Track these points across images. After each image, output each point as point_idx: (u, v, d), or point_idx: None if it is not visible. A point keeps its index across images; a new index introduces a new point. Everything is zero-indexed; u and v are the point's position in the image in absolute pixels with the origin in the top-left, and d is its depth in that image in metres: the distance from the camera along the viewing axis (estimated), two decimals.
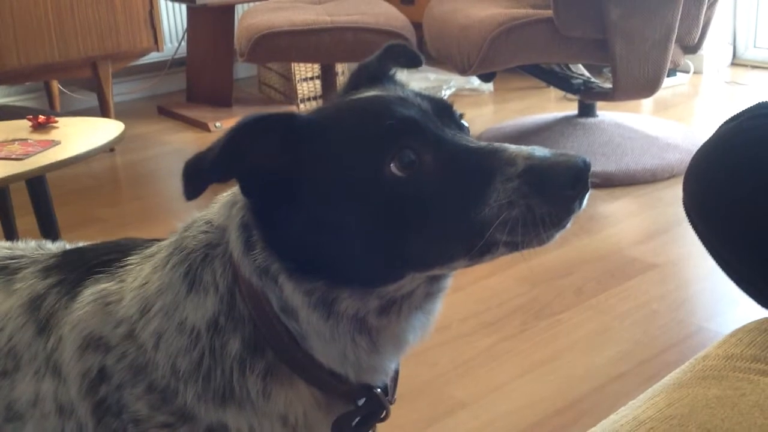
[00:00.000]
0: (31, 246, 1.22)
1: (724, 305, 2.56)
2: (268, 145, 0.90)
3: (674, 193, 1.21)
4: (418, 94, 0.97)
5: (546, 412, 2.09)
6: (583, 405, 2.11)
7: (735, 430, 0.85)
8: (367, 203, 0.88)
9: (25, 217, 2.87)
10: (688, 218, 1.25)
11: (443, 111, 0.95)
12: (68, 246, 1.21)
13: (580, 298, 2.64)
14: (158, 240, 1.10)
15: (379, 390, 1.03)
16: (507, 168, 0.86)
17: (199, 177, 0.89)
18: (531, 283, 2.72)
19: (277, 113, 0.91)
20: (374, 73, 1.07)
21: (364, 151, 0.88)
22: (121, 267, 1.07)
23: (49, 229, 2.68)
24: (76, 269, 1.10)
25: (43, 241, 1.23)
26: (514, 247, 0.88)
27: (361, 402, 1.03)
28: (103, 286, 1.05)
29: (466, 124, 0.98)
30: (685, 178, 1.24)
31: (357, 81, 1.07)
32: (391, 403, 1.05)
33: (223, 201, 1.02)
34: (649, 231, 3.11)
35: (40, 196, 2.76)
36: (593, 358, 2.32)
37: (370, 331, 0.95)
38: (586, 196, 0.88)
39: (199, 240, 1.01)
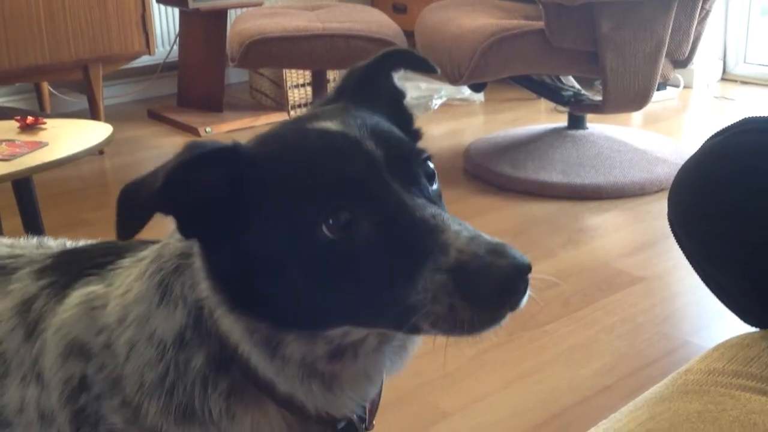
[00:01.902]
0: (32, 244, 1.19)
1: (710, 319, 2.57)
2: (212, 178, 0.86)
3: (662, 207, 1.22)
4: (377, 134, 0.89)
5: (529, 424, 2.09)
6: (566, 417, 2.11)
7: None
8: (298, 256, 0.84)
9: (11, 218, 2.86)
10: (673, 232, 1.25)
11: (399, 161, 0.88)
12: (69, 244, 1.18)
13: (566, 310, 2.64)
14: (154, 242, 1.07)
15: (354, 416, 0.99)
16: (438, 257, 0.80)
17: (137, 209, 0.84)
18: None
19: (221, 145, 0.87)
20: (364, 80, 1.02)
21: (298, 206, 0.84)
22: (113, 270, 1.04)
23: (34, 232, 2.66)
24: (69, 271, 1.07)
25: (45, 239, 1.21)
26: (439, 334, 0.83)
27: (340, 425, 0.98)
28: (91, 288, 1.03)
29: (431, 167, 0.92)
30: (670, 192, 1.24)
31: (345, 86, 1.03)
32: (367, 429, 1.02)
33: None
34: (637, 244, 3.12)
35: (26, 197, 2.75)
36: (578, 371, 2.31)
37: (322, 375, 0.91)
38: (523, 299, 0.82)
39: (174, 249, 0.97)
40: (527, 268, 0.80)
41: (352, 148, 0.87)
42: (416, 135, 1.02)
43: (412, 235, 0.82)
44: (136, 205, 0.84)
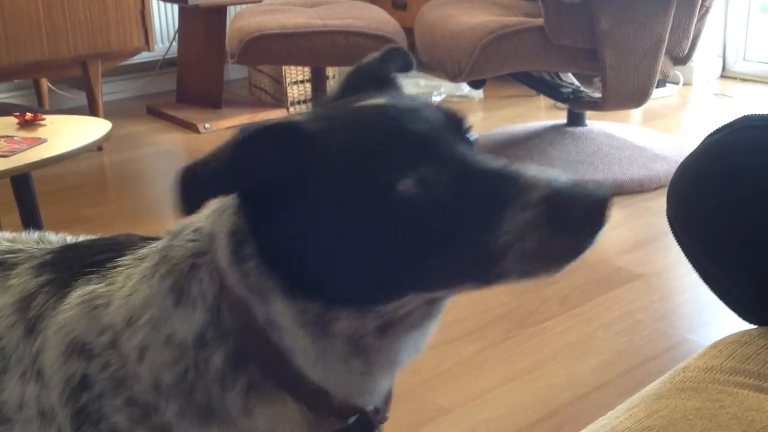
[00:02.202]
0: (32, 238, 1.18)
1: (708, 316, 2.57)
2: (273, 156, 0.85)
3: (661, 204, 1.22)
4: (429, 105, 0.91)
5: (528, 420, 2.09)
6: (564, 414, 2.11)
7: None
8: (374, 222, 0.84)
9: (9, 214, 2.86)
10: (672, 229, 1.25)
11: (455, 126, 0.90)
12: (69, 239, 1.17)
13: (565, 306, 2.65)
14: (155, 238, 1.06)
15: (371, 408, 0.99)
16: (524, 195, 0.82)
17: (199, 190, 0.84)
18: (516, 291, 2.72)
19: (281, 122, 0.87)
20: (374, 76, 1.02)
21: (373, 169, 0.83)
22: (113, 268, 1.03)
23: (33, 228, 2.65)
24: (69, 268, 1.06)
25: (47, 234, 1.20)
26: (523, 275, 0.85)
27: (351, 420, 0.98)
28: (92, 287, 1.02)
29: (475, 136, 0.93)
30: (669, 189, 1.24)
31: (355, 82, 1.01)
32: (381, 422, 1.01)
33: (213, 208, 0.97)
34: (635, 241, 3.12)
35: (25, 193, 2.75)
36: (576, 367, 2.32)
37: (366, 353, 0.91)
38: (602, 230, 0.84)
39: (186, 249, 0.96)
40: (609, 200, 0.83)
41: (414, 114, 0.88)
42: None
43: (493, 181, 0.84)
44: (199, 182, 0.83)
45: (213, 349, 0.93)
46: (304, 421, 0.96)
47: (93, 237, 1.16)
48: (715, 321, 2.52)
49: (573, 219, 0.81)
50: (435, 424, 2.08)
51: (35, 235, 1.20)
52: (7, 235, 1.21)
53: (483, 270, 0.84)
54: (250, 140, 0.84)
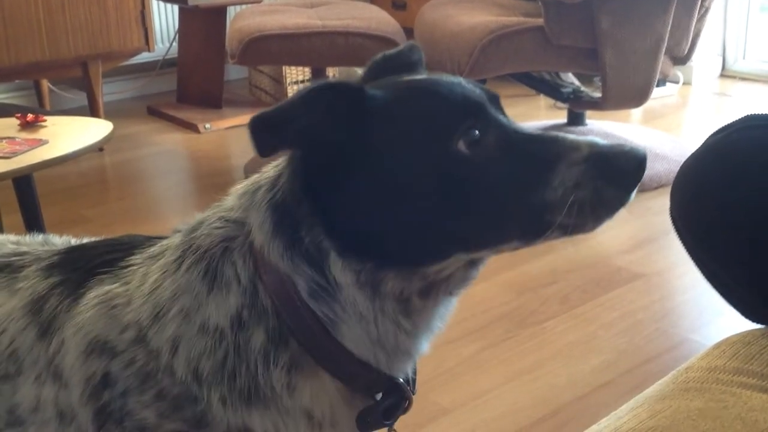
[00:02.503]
0: (37, 241, 1.19)
1: (709, 316, 2.57)
2: (341, 111, 0.89)
3: (662, 203, 1.22)
4: (470, 82, 0.97)
5: (528, 420, 2.09)
6: (565, 414, 2.11)
7: None
8: (432, 178, 0.89)
9: (11, 215, 2.86)
10: (675, 228, 1.25)
11: (494, 100, 0.97)
12: (73, 241, 1.18)
13: (566, 306, 2.65)
14: (160, 237, 1.08)
15: (401, 380, 1.02)
16: (572, 153, 0.90)
17: (271, 133, 0.87)
18: (516, 291, 2.72)
19: (349, 82, 0.93)
20: (400, 64, 1.06)
21: (432, 127, 0.89)
22: (125, 267, 1.05)
23: (35, 229, 2.67)
24: (79, 269, 1.07)
25: (50, 236, 1.20)
26: (569, 230, 0.90)
27: (379, 396, 1.01)
28: (107, 288, 1.02)
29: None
30: (672, 188, 1.24)
31: (380, 69, 1.05)
32: (413, 394, 1.05)
33: (239, 192, 1.00)
34: (636, 240, 3.12)
35: (26, 194, 2.76)
36: (577, 367, 2.32)
37: (412, 313, 0.96)
38: (639, 183, 0.91)
39: (215, 236, 0.98)
40: (645, 155, 0.91)
41: (460, 85, 0.94)
42: None
43: (539, 144, 0.92)
44: (272, 126, 0.87)
45: (252, 329, 0.95)
46: (341, 396, 0.98)
47: (97, 238, 1.16)
48: (716, 321, 2.52)
49: (619, 170, 0.90)
50: (435, 423, 2.08)
51: (39, 237, 1.20)
52: (12, 237, 1.21)
53: (534, 224, 0.90)
54: (322, 91, 0.88)
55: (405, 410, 1.04)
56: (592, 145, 0.90)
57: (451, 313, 1.02)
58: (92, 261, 1.07)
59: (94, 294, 1.03)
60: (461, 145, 0.88)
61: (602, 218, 0.91)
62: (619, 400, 1.19)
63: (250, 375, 0.95)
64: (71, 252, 1.12)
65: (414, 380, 1.07)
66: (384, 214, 0.90)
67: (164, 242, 1.05)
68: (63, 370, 1.02)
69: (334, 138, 0.89)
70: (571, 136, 0.92)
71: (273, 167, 0.98)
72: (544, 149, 0.91)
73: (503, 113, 0.96)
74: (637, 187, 0.92)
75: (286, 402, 0.95)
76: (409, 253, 0.92)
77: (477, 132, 0.89)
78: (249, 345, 0.94)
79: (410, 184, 0.89)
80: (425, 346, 1.02)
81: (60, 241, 1.19)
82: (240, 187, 1.01)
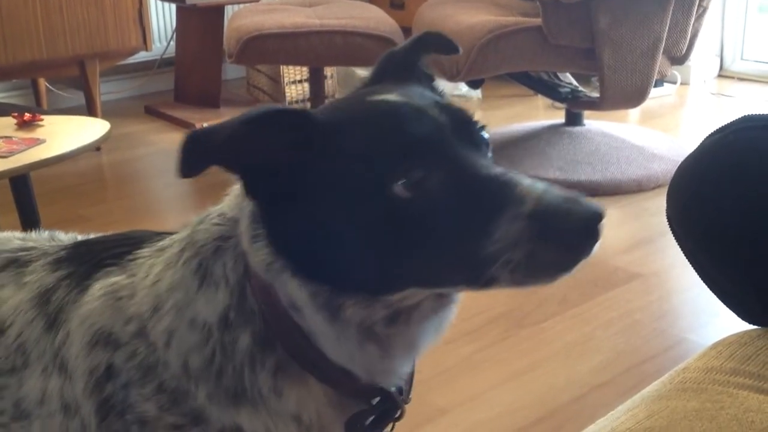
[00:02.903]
0: (43, 237, 1.19)
1: (706, 317, 2.57)
2: (281, 139, 0.87)
3: (659, 204, 1.22)
4: (438, 104, 0.92)
5: (526, 421, 2.09)
6: (563, 414, 2.11)
7: None
8: (369, 218, 0.85)
9: (8, 215, 2.86)
10: (672, 230, 1.25)
11: (462, 126, 0.91)
12: (80, 237, 1.18)
13: (563, 306, 2.65)
14: (169, 233, 1.08)
15: (393, 389, 1.00)
16: (516, 206, 0.83)
17: (202, 154, 0.85)
18: (514, 292, 2.72)
19: (294, 109, 0.89)
20: (402, 63, 1.04)
21: (371, 165, 0.85)
22: (132, 260, 1.05)
23: (32, 228, 2.66)
24: (86, 261, 1.07)
25: (56, 232, 1.21)
26: (513, 284, 0.85)
27: (375, 401, 1.00)
28: (114, 279, 1.03)
29: (486, 136, 0.94)
30: (669, 189, 1.24)
31: (383, 70, 1.04)
32: (405, 403, 1.03)
33: (237, 191, 0.99)
34: (634, 241, 3.12)
35: (23, 194, 2.75)
36: (574, 368, 2.32)
37: (379, 339, 0.93)
38: (596, 246, 0.84)
39: (211, 233, 0.98)
40: (601, 215, 0.82)
41: (419, 114, 0.89)
42: None
43: (487, 188, 0.85)
44: (201, 149, 0.85)
45: (239, 330, 0.94)
46: (328, 402, 0.97)
47: (104, 233, 1.17)
48: (713, 321, 2.52)
49: (561, 234, 0.82)
50: (433, 424, 2.08)
51: (46, 233, 1.21)
52: (18, 234, 1.21)
53: (474, 275, 0.85)
54: (258, 119, 0.85)
55: (396, 419, 1.03)
56: (539, 199, 0.82)
57: (442, 330, 0.99)
58: (100, 254, 1.08)
59: (100, 285, 1.03)
60: (400, 187, 0.83)
61: (544, 278, 0.85)
62: (616, 400, 1.19)
63: (237, 375, 0.94)
64: (79, 246, 1.12)
65: (408, 389, 1.05)
66: (327, 244, 0.88)
67: (174, 236, 1.05)
68: (68, 361, 1.01)
69: (272, 165, 0.87)
70: (525, 183, 0.85)
71: None
72: (491, 197, 0.84)
73: (471, 139, 0.91)
74: (588, 250, 0.83)
75: (275, 405, 0.95)
76: (361, 282, 0.89)
77: (420, 174, 0.84)
78: (235, 346, 0.94)
79: (348, 219, 0.86)
80: (407, 365, 1.00)
81: (66, 237, 1.19)
82: (238, 186, 1.00)
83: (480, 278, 0.85)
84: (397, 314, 0.92)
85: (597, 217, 0.82)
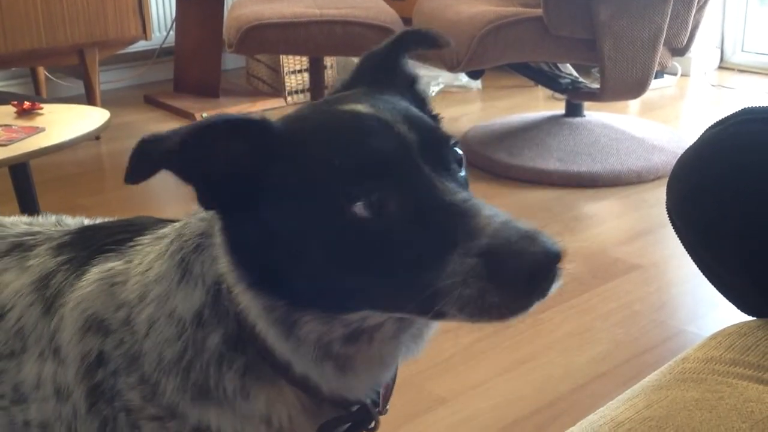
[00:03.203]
0: (50, 221, 1.19)
1: (705, 308, 2.57)
2: (235, 148, 0.84)
3: (659, 195, 1.21)
4: (408, 118, 0.89)
5: (525, 411, 2.09)
6: (562, 404, 2.11)
7: None
8: (325, 234, 0.83)
9: (7, 204, 2.85)
10: (671, 221, 1.25)
11: (431, 144, 0.87)
12: (86, 221, 1.18)
13: (562, 297, 2.65)
14: (172, 220, 1.07)
15: (368, 401, 0.99)
16: (469, 241, 0.79)
17: (151, 160, 0.83)
18: None
19: (250, 117, 0.86)
20: (382, 65, 1.01)
21: (330, 182, 0.82)
22: (132, 246, 1.05)
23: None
24: (88, 247, 1.07)
25: (63, 217, 1.21)
26: (465, 318, 0.81)
27: (353, 408, 0.99)
28: (111, 265, 1.03)
29: (459, 153, 0.91)
30: (669, 181, 1.24)
31: (362, 72, 1.01)
32: (381, 414, 1.01)
33: None
34: (633, 232, 3.12)
35: (23, 182, 2.75)
36: (573, 358, 2.32)
37: (336, 358, 0.91)
38: (553, 287, 0.81)
39: (195, 228, 0.98)
40: (558, 256, 0.79)
41: (384, 131, 0.86)
42: (434, 119, 1.00)
43: (444, 218, 0.81)
44: (149, 157, 0.83)
45: (210, 329, 0.94)
46: (301, 405, 0.96)
47: (111, 219, 1.16)
48: (712, 312, 2.52)
49: (511, 275, 0.78)
50: (432, 413, 2.09)
51: (53, 218, 1.21)
52: (24, 218, 1.21)
53: (424, 306, 0.82)
54: (209, 129, 0.83)
55: (371, 430, 1.01)
56: (493, 236, 0.78)
57: (419, 348, 0.96)
58: (103, 240, 1.08)
59: (97, 270, 1.03)
60: (357, 209, 0.81)
61: (496, 317, 0.80)
62: (615, 390, 1.19)
63: (203, 372, 0.94)
64: (83, 232, 1.12)
65: (384, 401, 1.03)
66: (283, 259, 0.86)
67: (174, 224, 1.05)
68: (61, 346, 1.02)
69: (229, 175, 0.85)
70: (483, 215, 0.81)
71: None
72: (447, 227, 0.80)
73: (439, 160, 0.87)
74: (540, 294, 0.80)
75: (242, 406, 0.94)
76: (316, 299, 0.87)
77: (377, 195, 0.81)
78: (205, 343, 0.94)
79: (304, 234, 0.84)
80: (377, 380, 0.98)
81: (73, 221, 1.20)
82: None
83: (429, 310, 0.82)
84: (358, 333, 0.89)
85: (553, 257, 0.79)
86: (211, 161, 0.85)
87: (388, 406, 1.04)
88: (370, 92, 0.95)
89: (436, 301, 0.80)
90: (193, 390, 0.95)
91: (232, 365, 0.93)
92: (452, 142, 0.91)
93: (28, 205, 2.75)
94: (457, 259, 0.79)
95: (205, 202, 0.88)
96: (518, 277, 0.78)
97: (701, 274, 1.26)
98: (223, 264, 0.91)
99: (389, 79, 1.00)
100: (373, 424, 1.01)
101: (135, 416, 0.97)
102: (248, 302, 0.89)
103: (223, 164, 0.85)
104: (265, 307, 0.88)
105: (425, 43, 1.04)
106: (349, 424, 0.99)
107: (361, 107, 0.89)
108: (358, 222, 0.81)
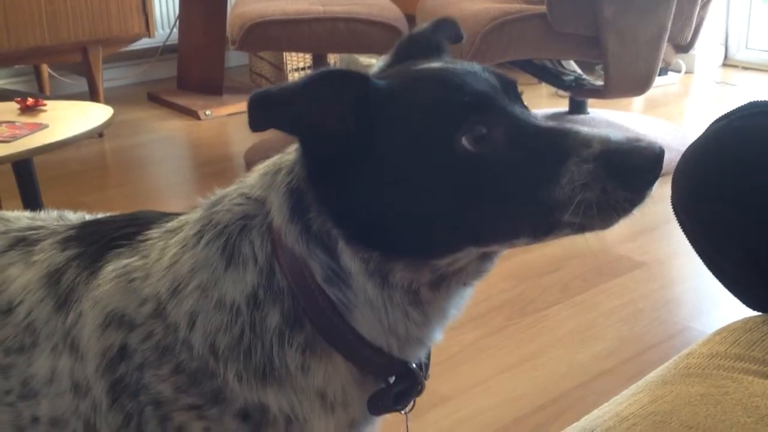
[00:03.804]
0: (52, 216, 1.20)
1: (709, 305, 2.57)
2: (344, 99, 0.88)
3: (663, 192, 1.21)
4: (486, 69, 0.95)
5: (529, 408, 2.09)
6: (565, 401, 2.11)
7: (717, 428, 0.85)
8: (436, 175, 0.87)
9: (11, 200, 2.86)
10: (676, 216, 1.25)
11: (509, 88, 0.94)
12: (88, 217, 1.19)
13: (566, 294, 2.64)
14: (176, 214, 1.08)
15: (414, 366, 1.02)
16: (582, 149, 0.86)
17: (271, 109, 0.87)
18: (517, 279, 2.72)
19: (356, 72, 0.90)
20: (425, 45, 1.05)
21: (436, 123, 0.87)
22: (143, 241, 1.05)
23: None
24: (96, 241, 1.08)
25: (65, 212, 1.21)
26: (579, 228, 0.88)
27: (392, 379, 1.02)
28: (125, 261, 1.03)
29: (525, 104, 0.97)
30: (674, 175, 1.24)
31: (405, 52, 1.05)
32: (425, 379, 1.05)
33: (261, 171, 1.00)
34: (637, 229, 3.11)
35: (26, 179, 2.75)
36: (577, 355, 2.32)
37: (422, 304, 0.95)
38: (656, 183, 0.88)
39: (234, 212, 0.99)
40: (663, 150, 0.86)
41: (471, 75, 0.91)
42: None
43: (549, 138, 0.88)
44: (271, 104, 0.87)
45: (268, 308, 0.95)
46: (353, 379, 0.99)
47: (112, 213, 1.17)
48: (716, 309, 2.52)
49: (630, 170, 0.85)
50: (435, 411, 2.08)
51: (54, 213, 1.21)
52: (27, 213, 1.22)
53: (542, 221, 0.88)
54: (325, 78, 0.87)
55: (417, 395, 1.05)
56: (604, 142, 0.86)
57: (467, 301, 1.01)
58: (109, 234, 1.08)
59: (113, 267, 1.03)
60: (466, 142, 0.86)
61: (611, 219, 0.88)
62: (619, 387, 1.19)
63: (265, 353, 0.95)
64: (87, 226, 1.12)
65: (427, 365, 1.07)
66: (388, 207, 0.89)
67: (182, 217, 1.05)
68: (80, 342, 1.02)
69: (334, 127, 0.89)
70: (585, 130, 0.88)
71: (295, 150, 0.98)
72: (554, 145, 0.87)
73: (519, 101, 0.94)
74: (653, 186, 0.88)
75: (300, 382, 0.96)
76: (416, 245, 0.91)
77: (483, 128, 0.87)
78: (264, 324, 0.95)
79: (414, 179, 0.88)
80: (439, 334, 1.02)
81: (75, 216, 1.20)
82: (262, 166, 1.01)
83: (547, 225, 0.87)
84: (441, 279, 0.94)
85: (659, 154, 0.86)
86: (322, 111, 0.88)
87: (428, 373, 1.07)
88: (430, 59, 1.00)
89: (555, 213, 0.86)
90: (255, 372, 0.96)
91: (293, 342, 0.95)
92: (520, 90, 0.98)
93: (32, 202, 2.75)
94: (573, 168, 0.86)
95: (311, 153, 0.91)
96: (639, 168, 0.85)
97: (705, 270, 1.25)
98: (295, 232, 0.93)
99: (431, 56, 1.03)
100: (420, 389, 1.04)
101: (166, 408, 0.97)
102: (347, 259, 0.92)
103: (332, 114, 0.89)
104: (363, 259, 0.92)
105: (454, 34, 1.09)
106: (398, 391, 1.02)
107: (440, 64, 0.96)
108: (469, 154, 0.86)
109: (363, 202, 0.90)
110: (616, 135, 0.87)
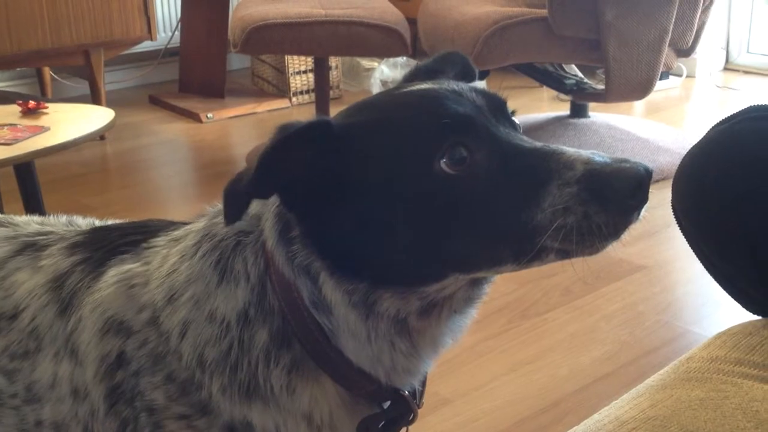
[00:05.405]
0: (61, 221, 1.20)
1: (710, 308, 2.57)
2: (307, 156, 0.87)
3: (663, 196, 1.21)
4: (473, 89, 0.93)
5: (529, 411, 2.09)
6: (566, 404, 2.11)
7: None
8: (415, 200, 0.85)
9: (12, 204, 2.86)
10: (677, 220, 1.25)
11: (497, 108, 0.92)
12: (97, 223, 1.19)
13: (567, 298, 2.65)
14: (184, 223, 1.08)
15: (407, 393, 1.00)
16: (565, 172, 0.83)
17: (238, 198, 0.86)
18: (518, 282, 2.72)
19: (311, 122, 0.88)
20: (431, 73, 1.04)
21: (410, 149, 0.85)
22: (147, 248, 1.05)
23: None
24: (102, 247, 1.08)
25: (74, 217, 1.22)
26: (564, 254, 0.85)
27: (386, 404, 1.00)
28: (128, 267, 1.03)
29: (517, 122, 0.95)
30: (674, 179, 1.24)
31: (412, 79, 1.04)
32: (419, 407, 1.03)
33: None
34: (638, 233, 3.07)
35: (28, 182, 2.75)
36: (578, 358, 2.32)
37: (410, 333, 0.93)
38: (644, 207, 0.85)
39: (231, 227, 0.98)
40: (650, 172, 0.83)
41: (456, 96, 0.90)
42: None
43: (531, 160, 0.85)
44: (239, 189, 0.86)
45: (257, 326, 0.94)
46: (341, 402, 0.97)
47: (121, 220, 1.17)
48: (717, 313, 2.52)
49: (616, 193, 0.82)
50: (436, 414, 2.08)
51: (63, 218, 1.21)
52: (36, 218, 1.22)
53: (524, 248, 0.85)
54: (280, 144, 0.86)
55: (408, 423, 1.03)
56: (588, 163, 0.83)
57: (464, 330, 1.00)
58: (116, 241, 1.08)
59: (114, 272, 1.03)
60: (444, 165, 0.84)
61: (594, 244, 0.84)
62: (620, 391, 1.19)
63: (251, 371, 0.95)
64: (95, 232, 1.13)
65: (422, 393, 1.06)
66: (371, 238, 0.88)
67: (189, 226, 1.05)
68: (79, 347, 1.02)
69: (306, 177, 0.88)
70: (569, 151, 0.85)
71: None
72: (537, 167, 0.85)
73: (508, 121, 0.92)
74: (640, 210, 0.85)
75: (286, 402, 0.95)
76: (401, 274, 0.89)
77: (464, 150, 0.84)
78: (252, 341, 0.95)
79: (393, 207, 0.86)
80: (429, 365, 1.00)
81: (84, 222, 1.20)
82: None
83: (527, 252, 0.85)
84: (431, 306, 0.92)
85: (646, 174, 0.83)
86: (288, 175, 0.87)
87: (423, 400, 1.06)
88: (427, 80, 0.99)
89: (535, 239, 0.84)
90: (240, 388, 0.95)
91: (279, 362, 0.94)
92: (511, 110, 0.96)
93: (33, 205, 2.75)
94: (555, 191, 0.83)
95: (290, 205, 0.90)
96: (623, 191, 0.82)
97: (706, 274, 1.25)
98: (284, 256, 0.92)
99: (436, 79, 1.02)
100: (411, 417, 1.03)
101: (158, 416, 0.97)
102: (329, 290, 0.91)
103: (300, 172, 0.88)
104: (347, 290, 0.90)
105: (463, 68, 1.07)
106: (389, 418, 1.01)
107: (427, 85, 0.94)
108: (448, 177, 0.84)
109: (345, 235, 0.89)
110: (601, 156, 0.84)
